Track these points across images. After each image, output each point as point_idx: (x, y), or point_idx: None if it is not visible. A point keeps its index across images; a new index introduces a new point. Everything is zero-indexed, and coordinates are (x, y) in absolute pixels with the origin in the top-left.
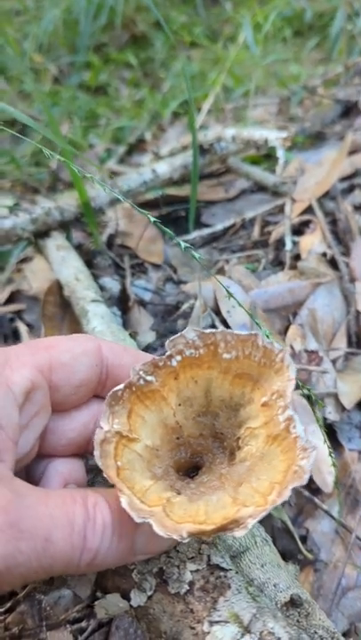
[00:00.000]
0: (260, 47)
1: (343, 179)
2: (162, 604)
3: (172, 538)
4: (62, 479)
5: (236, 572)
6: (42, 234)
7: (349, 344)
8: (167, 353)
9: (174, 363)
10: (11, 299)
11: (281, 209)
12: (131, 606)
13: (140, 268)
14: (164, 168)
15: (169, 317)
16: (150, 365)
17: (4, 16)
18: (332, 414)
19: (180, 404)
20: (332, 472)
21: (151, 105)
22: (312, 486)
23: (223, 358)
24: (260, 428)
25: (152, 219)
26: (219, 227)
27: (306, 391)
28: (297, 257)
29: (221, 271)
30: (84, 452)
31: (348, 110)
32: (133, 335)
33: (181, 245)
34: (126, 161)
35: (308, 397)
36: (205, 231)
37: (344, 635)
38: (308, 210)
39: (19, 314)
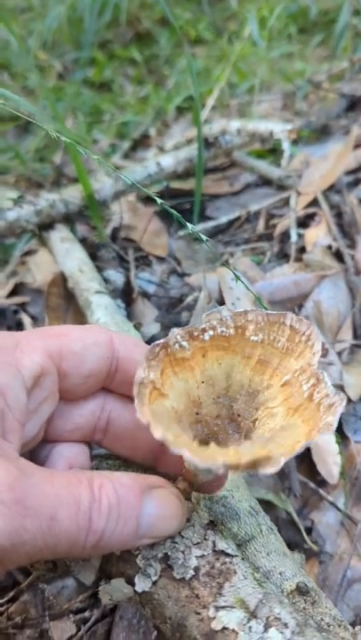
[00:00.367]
0: (265, 43)
1: (349, 172)
2: (167, 590)
3: (209, 467)
4: (67, 463)
5: (242, 559)
6: (46, 226)
7: (355, 336)
8: (202, 326)
9: (206, 337)
10: (14, 291)
11: (286, 202)
12: (135, 592)
13: (144, 260)
14: (168, 161)
15: (173, 310)
16: (186, 333)
17: (9, 13)
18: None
19: (203, 382)
20: (337, 463)
21: (156, 101)
22: (318, 478)
23: (250, 340)
24: (278, 406)
25: (159, 200)
26: (223, 219)
27: None
28: (302, 249)
29: (226, 264)
30: (89, 439)
31: (353, 104)
32: (138, 326)
33: (188, 227)
34: (131, 156)
35: None
36: (210, 224)
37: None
38: (314, 203)
39: (22, 306)
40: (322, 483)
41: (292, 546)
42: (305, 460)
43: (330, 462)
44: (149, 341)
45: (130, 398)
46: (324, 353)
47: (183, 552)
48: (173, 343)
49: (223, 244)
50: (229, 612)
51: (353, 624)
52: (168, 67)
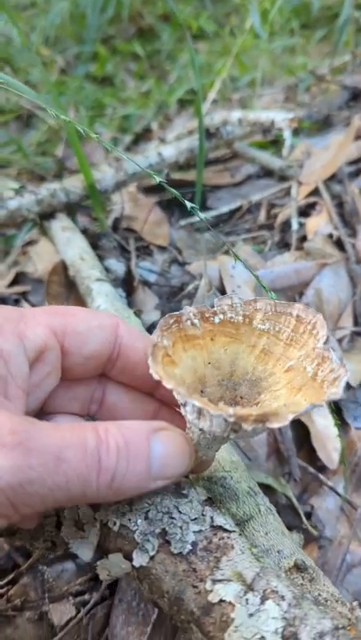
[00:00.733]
0: (266, 35)
1: (350, 163)
2: (164, 564)
3: (221, 416)
4: None
5: (240, 534)
6: (47, 215)
7: (355, 324)
8: (214, 308)
9: (216, 320)
10: (16, 280)
11: (287, 192)
12: (133, 567)
13: (145, 250)
14: (170, 151)
15: (174, 298)
16: (199, 312)
17: (12, 9)
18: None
19: (209, 363)
20: (337, 449)
21: (157, 95)
22: (318, 463)
23: (257, 328)
24: (282, 388)
25: (158, 179)
26: (225, 209)
27: None
28: (303, 238)
29: (227, 254)
30: (85, 413)
31: (355, 96)
32: (138, 313)
33: (187, 205)
34: (133, 150)
35: None
36: (211, 214)
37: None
38: (315, 192)
39: (24, 295)
40: (322, 468)
41: (291, 530)
42: (305, 445)
43: (330, 448)
44: (150, 329)
45: (130, 387)
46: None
47: (181, 527)
48: (186, 320)
49: (225, 234)
50: (226, 585)
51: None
52: (170, 62)
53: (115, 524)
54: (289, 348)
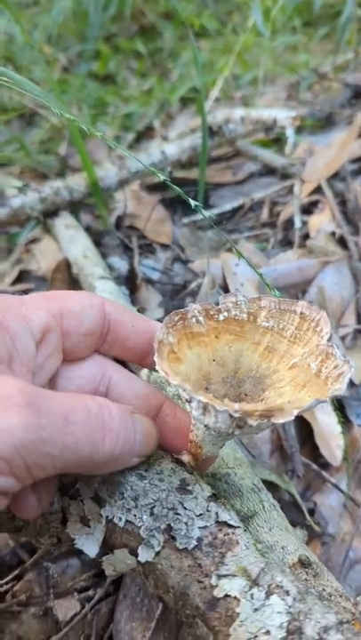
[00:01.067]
0: (268, 32)
1: (353, 160)
2: (170, 560)
3: (226, 412)
4: None
5: (245, 530)
6: (50, 213)
7: (358, 321)
8: (219, 306)
9: (221, 318)
10: (19, 279)
11: (290, 190)
12: (138, 562)
13: (148, 248)
14: (172, 149)
15: (177, 296)
16: (204, 309)
17: (15, 7)
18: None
19: (214, 360)
20: (340, 446)
21: (160, 93)
22: (321, 460)
23: (261, 326)
24: (286, 385)
25: (162, 177)
26: (227, 207)
27: None
28: (306, 236)
29: (230, 251)
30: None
31: (357, 94)
32: (141, 311)
33: (191, 204)
34: (135, 148)
35: None
36: (214, 212)
37: None
38: (317, 190)
39: (27, 293)
40: (325, 465)
41: (294, 527)
42: (308, 442)
43: (333, 445)
44: None
45: (122, 363)
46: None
47: (186, 523)
48: (191, 317)
49: (227, 232)
50: (231, 580)
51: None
52: (172, 60)
53: (120, 519)
54: (293, 345)
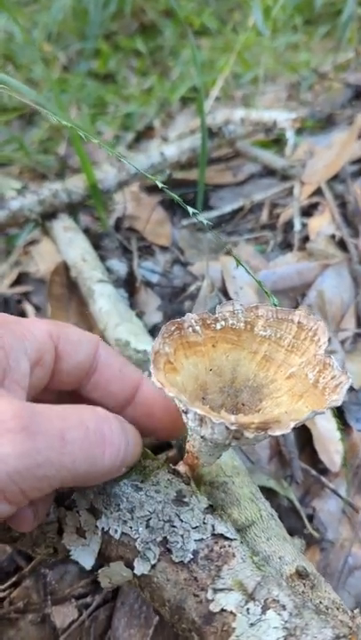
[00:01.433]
0: (269, 32)
1: (353, 162)
2: (165, 573)
3: (222, 424)
4: None
5: (241, 542)
6: (49, 215)
7: (358, 325)
8: (215, 315)
9: (218, 327)
10: (18, 281)
11: (290, 192)
12: (134, 575)
13: (147, 250)
14: (172, 150)
15: (176, 299)
16: (200, 319)
17: (14, 5)
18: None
19: (211, 370)
20: (339, 451)
21: (160, 92)
22: (319, 466)
23: (258, 335)
24: (283, 395)
25: (160, 184)
26: (227, 209)
27: None
28: (306, 239)
29: (229, 254)
30: None
31: (358, 94)
32: (140, 315)
33: (189, 211)
34: (134, 147)
35: None
36: (213, 214)
37: None
38: (317, 192)
39: (26, 295)
40: (324, 471)
41: (293, 533)
42: (307, 448)
43: (332, 450)
44: (152, 330)
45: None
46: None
47: (182, 536)
48: (188, 326)
49: (227, 234)
50: (227, 594)
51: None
52: (172, 58)
53: (116, 531)
54: (290, 354)
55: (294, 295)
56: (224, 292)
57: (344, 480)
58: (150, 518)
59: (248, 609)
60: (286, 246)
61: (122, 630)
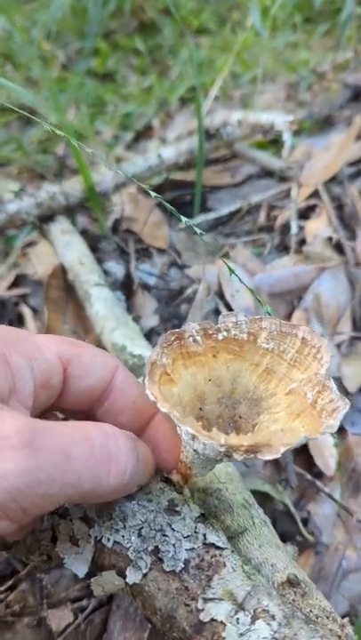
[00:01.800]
0: (268, 32)
1: (351, 163)
2: (157, 582)
3: (210, 444)
4: None
5: (232, 551)
6: (47, 218)
7: (354, 328)
8: (218, 325)
9: (220, 337)
10: (15, 283)
11: (287, 194)
12: (126, 584)
13: (144, 252)
14: (169, 153)
15: (173, 302)
16: (202, 329)
17: (12, 3)
18: None
19: (210, 380)
20: (334, 455)
21: (159, 92)
22: (314, 470)
23: (261, 347)
24: (281, 411)
25: (153, 194)
26: (224, 211)
27: None
28: (303, 241)
29: (227, 256)
30: None
31: (357, 95)
32: (136, 319)
33: (183, 221)
34: (133, 147)
35: None
36: (211, 216)
37: (344, 617)
38: (315, 194)
39: (23, 298)
40: (319, 474)
41: (287, 537)
42: (302, 452)
43: (327, 454)
44: (148, 334)
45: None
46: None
47: (174, 545)
48: (188, 337)
49: (224, 236)
50: (218, 604)
51: (348, 614)
52: (172, 56)
53: (108, 540)
54: (292, 369)
55: (291, 298)
56: (220, 296)
57: (339, 484)
58: (142, 527)
59: (238, 619)
60: (283, 249)
61: (117, 634)
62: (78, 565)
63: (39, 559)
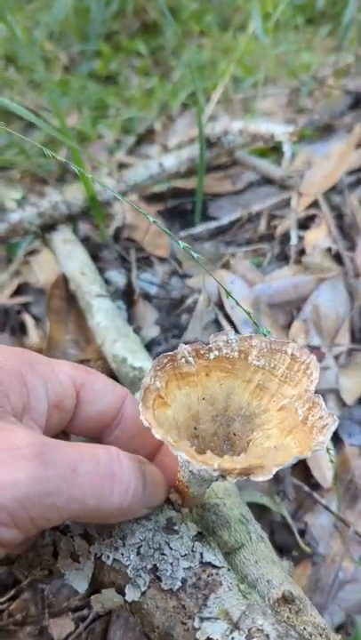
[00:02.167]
0: (270, 36)
1: (351, 172)
2: (155, 600)
3: (204, 469)
4: None
5: (228, 570)
6: (49, 227)
7: (353, 340)
8: (209, 345)
9: (212, 356)
10: (18, 291)
11: (288, 202)
12: (125, 601)
13: (145, 261)
14: (170, 161)
15: (173, 312)
16: (194, 350)
17: (15, 4)
18: (333, 410)
19: (203, 399)
20: (331, 467)
21: (161, 95)
22: (311, 481)
23: (252, 364)
24: (273, 428)
25: (151, 219)
26: (225, 220)
27: None
28: (302, 251)
29: (227, 265)
30: None
31: (358, 102)
32: (137, 330)
33: (180, 245)
34: (135, 152)
35: None
36: (212, 224)
37: (341, 627)
38: (315, 204)
39: (25, 306)
40: (316, 486)
41: (284, 549)
42: (299, 464)
43: (323, 466)
44: (149, 345)
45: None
46: (321, 358)
47: (172, 564)
48: (181, 358)
49: (225, 245)
50: (213, 623)
51: (344, 624)
52: (174, 58)
53: (108, 557)
54: (284, 384)
55: (290, 309)
56: (220, 307)
57: (336, 495)
58: (141, 546)
59: (233, 638)
60: (283, 258)
61: None
62: (79, 581)
63: (41, 573)
